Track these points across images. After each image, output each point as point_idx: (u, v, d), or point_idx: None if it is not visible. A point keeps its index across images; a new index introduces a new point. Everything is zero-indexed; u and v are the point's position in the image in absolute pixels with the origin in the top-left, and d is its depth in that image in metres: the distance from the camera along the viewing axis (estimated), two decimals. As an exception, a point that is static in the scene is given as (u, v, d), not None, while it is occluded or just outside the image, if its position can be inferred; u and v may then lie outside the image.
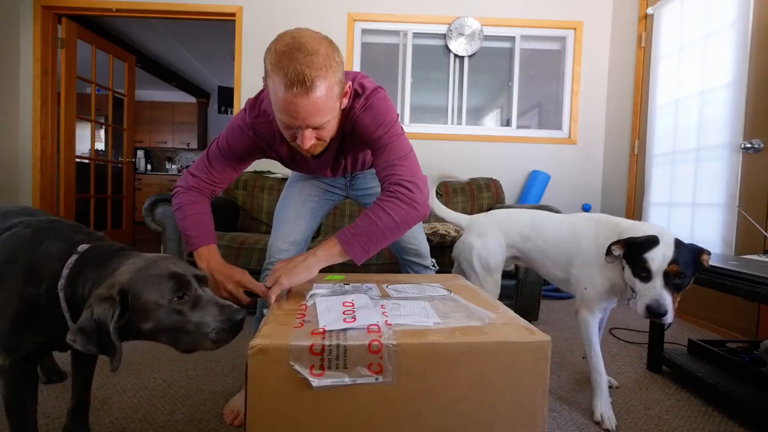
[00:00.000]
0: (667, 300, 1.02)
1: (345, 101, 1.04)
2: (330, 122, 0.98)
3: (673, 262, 1.03)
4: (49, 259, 0.81)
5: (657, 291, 1.03)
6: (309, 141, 0.97)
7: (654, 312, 1.02)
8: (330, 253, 0.95)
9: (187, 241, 1.14)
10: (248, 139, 1.18)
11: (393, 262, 2.16)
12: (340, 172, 1.36)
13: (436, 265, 1.56)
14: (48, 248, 0.82)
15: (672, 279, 1.03)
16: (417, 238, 1.47)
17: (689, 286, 1.08)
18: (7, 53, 3.28)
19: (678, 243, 1.07)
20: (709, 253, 1.08)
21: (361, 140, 1.13)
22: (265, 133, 1.16)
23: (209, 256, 1.12)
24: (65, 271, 0.79)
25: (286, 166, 1.32)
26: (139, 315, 0.74)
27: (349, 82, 1.03)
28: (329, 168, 1.30)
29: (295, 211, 1.40)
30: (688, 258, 1.05)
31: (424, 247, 1.48)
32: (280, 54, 0.88)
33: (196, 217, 1.16)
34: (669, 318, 1.02)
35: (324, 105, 0.92)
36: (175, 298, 0.75)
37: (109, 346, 0.71)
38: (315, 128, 0.96)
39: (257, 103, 1.17)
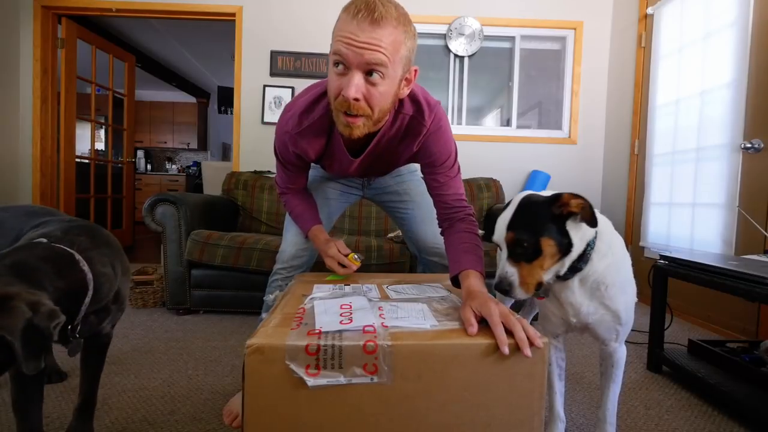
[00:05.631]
0: (509, 273, 0.86)
1: (405, 90, 1.00)
2: (384, 83, 0.91)
3: (508, 228, 0.87)
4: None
5: (501, 264, 0.89)
6: (353, 89, 0.88)
7: (498, 288, 0.88)
8: (482, 283, 0.95)
9: (300, 229, 1.35)
10: (293, 154, 1.19)
11: (393, 262, 2.16)
12: (366, 175, 1.36)
13: None
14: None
15: (513, 248, 0.86)
16: (438, 237, 1.47)
17: (549, 251, 0.85)
18: (7, 53, 3.29)
19: (522, 203, 0.90)
20: (560, 198, 0.85)
21: (424, 157, 1.15)
22: (310, 135, 1.12)
23: (315, 237, 1.30)
24: None
25: (317, 162, 1.30)
26: None
27: (416, 69, 0.99)
28: (359, 169, 1.25)
29: None
30: (529, 219, 0.87)
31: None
32: None
33: (295, 210, 1.34)
34: (517, 293, 0.86)
35: (386, 46, 0.86)
36: None
37: None
38: (367, 75, 0.89)
39: (295, 112, 1.11)
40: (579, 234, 0.87)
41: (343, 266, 1.18)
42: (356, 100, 0.90)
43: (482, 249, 1.07)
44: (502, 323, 0.71)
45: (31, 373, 0.69)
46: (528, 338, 0.69)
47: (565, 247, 0.86)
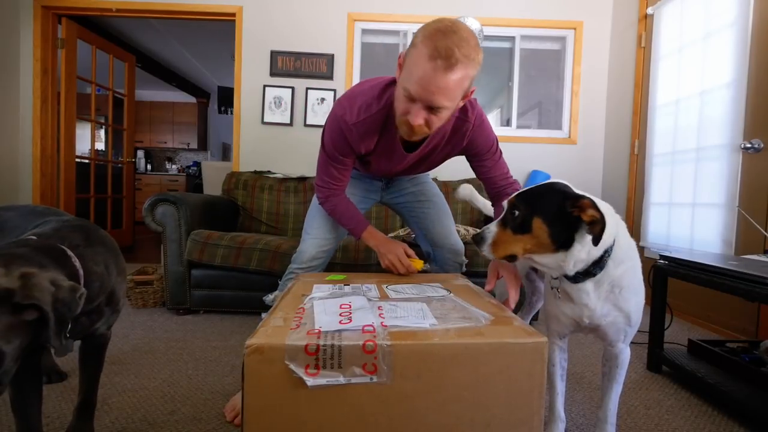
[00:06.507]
0: (489, 229, 0.93)
1: (460, 104, 1.08)
2: (445, 112, 1.02)
3: (516, 195, 0.92)
4: None
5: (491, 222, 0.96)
6: (419, 119, 1.01)
7: (474, 237, 0.95)
8: None
9: (351, 233, 1.38)
10: (347, 144, 1.23)
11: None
12: (411, 172, 1.42)
13: (465, 266, 1.58)
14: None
15: (508, 212, 0.91)
16: (454, 235, 1.53)
17: (538, 233, 0.86)
18: (7, 53, 3.29)
19: (545, 184, 0.92)
20: (579, 199, 0.84)
21: (471, 149, 1.26)
22: (363, 128, 1.18)
23: (371, 236, 1.35)
24: None
25: (363, 160, 1.34)
26: None
27: (474, 88, 1.07)
28: (408, 166, 1.32)
29: (332, 222, 1.44)
30: (537, 197, 0.89)
31: (460, 245, 1.53)
32: (436, 30, 0.93)
33: (345, 215, 1.36)
34: (483, 249, 0.92)
35: (453, 90, 0.97)
36: None
37: None
38: (431, 109, 1.00)
39: (354, 102, 1.18)
40: (585, 241, 0.86)
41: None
42: (419, 125, 1.03)
43: None
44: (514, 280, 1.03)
45: (60, 352, 0.70)
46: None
47: (561, 242, 0.86)
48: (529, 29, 3.33)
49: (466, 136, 1.22)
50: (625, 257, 0.91)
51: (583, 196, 0.85)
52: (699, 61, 2.33)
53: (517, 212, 0.89)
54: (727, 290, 1.27)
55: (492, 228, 0.93)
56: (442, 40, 0.92)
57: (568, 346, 1.07)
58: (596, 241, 0.83)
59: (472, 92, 1.07)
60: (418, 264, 1.27)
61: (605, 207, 0.90)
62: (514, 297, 1.01)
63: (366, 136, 1.20)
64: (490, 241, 0.91)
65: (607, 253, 0.88)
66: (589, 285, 0.91)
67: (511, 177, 1.34)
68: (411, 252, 1.29)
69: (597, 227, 0.82)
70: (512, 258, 0.91)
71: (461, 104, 1.09)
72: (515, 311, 0.93)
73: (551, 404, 1.06)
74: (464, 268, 1.56)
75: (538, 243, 0.87)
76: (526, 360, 0.68)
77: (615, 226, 0.89)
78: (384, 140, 1.22)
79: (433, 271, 1.56)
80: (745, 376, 1.36)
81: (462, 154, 1.32)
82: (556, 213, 0.85)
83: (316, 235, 1.41)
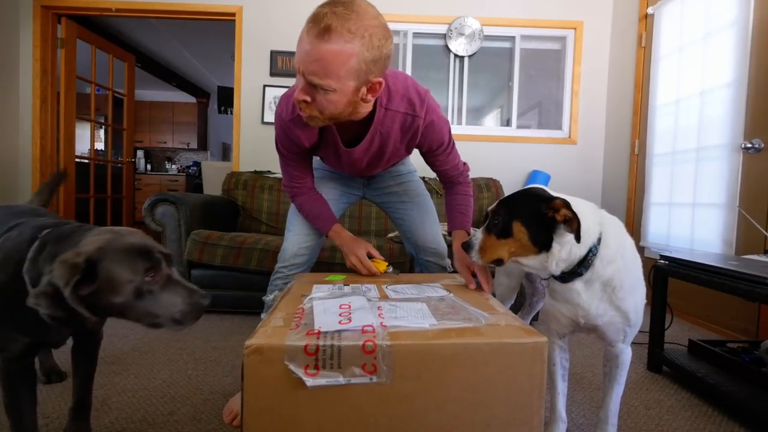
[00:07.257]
0: (476, 237, 0.98)
1: (369, 97, 1.01)
2: (332, 95, 0.94)
3: (498, 202, 0.96)
4: (16, 247, 0.81)
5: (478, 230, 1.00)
6: (299, 93, 0.96)
7: (463, 244, 1.02)
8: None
9: (320, 231, 1.38)
10: (291, 141, 1.22)
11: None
12: (372, 170, 1.38)
13: (451, 266, 1.56)
14: (17, 238, 0.83)
15: (491, 219, 0.95)
16: (436, 238, 1.50)
17: (519, 236, 0.90)
18: (7, 53, 3.29)
19: (524, 190, 0.96)
20: (551, 200, 0.87)
21: (423, 146, 1.25)
22: (301, 122, 1.12)
23: (337, 235, 1.32)
24: (29, 254, 0.78)
25: (317, 155, 1.33)
26: (109, 289, 0.72)
27: (381, 81, 0.98)
28: (363, 162, 1.27)
29: None
30: (516, 202, 0.93)
31: (443, 247, 1.50)
32: (327, 1, 0.90)
33: (311, 212, 1.35)
34: (472, 255, 0.97)
35: (329, 63, 0.89)
36: (147, 277, 0.75)
37: (76, 313, 0.70)
38: (311, 84, 0.93)
39: (290, 99, 1.14)
40: (563, 241, 0.87)
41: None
42: (303, 101, 0.97)
43: (472, 208, 1.35)
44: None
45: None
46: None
47: (541, 244, 0.88)
48: (529, 29, 3.33)
49: (419, 132, 1.19)
50: (616, 256, 0.90)
51: (556, 198, 0.87)
52: (699, 61, 2.33)
53: (498, 218, 0.93)
54: (727, 290, 1.27)
55: (478, 235, 0.98)
56: (323, 7, 0.88)
57: (569, 346, 1.07)
58: (577, 238, 0.84)
59: (378, 84, 0.98)
60: (381, 266, 1.23)
61: (586, 206, 0.91)
62: (488, 290, 1.05)
63: (305, 130, 1.15)
64: (478, 247, 0.96)
65: (591, 252, 0.88)
66: (578, 284, 0.92)
67: (461, 164, 1.34)
68: (375, 253, 1.26)
69: (573, 225, 0.84)
70: (499, 262, 0.94)
71: (369, 97, 1.00)
72: (515, 312, 0.92)
73: (552, 404, 1.05)
74: (449, 270, 1.52)
75: (520, 246, 0.91)
76: (526, 360, 0.68)
77: (597, 225, 0.90)
78: (325, 134, 1.19)
79: (419, 273, 1.54)
80: (746, 376, 1.36)
81: (417, 148, 1.30)
82: (534, 215, 0.89)
83: (296, 232, 1.39)
